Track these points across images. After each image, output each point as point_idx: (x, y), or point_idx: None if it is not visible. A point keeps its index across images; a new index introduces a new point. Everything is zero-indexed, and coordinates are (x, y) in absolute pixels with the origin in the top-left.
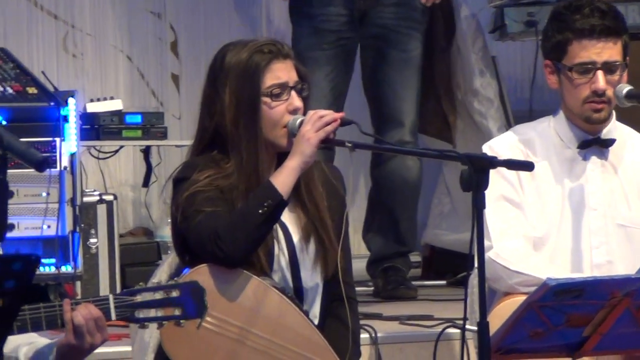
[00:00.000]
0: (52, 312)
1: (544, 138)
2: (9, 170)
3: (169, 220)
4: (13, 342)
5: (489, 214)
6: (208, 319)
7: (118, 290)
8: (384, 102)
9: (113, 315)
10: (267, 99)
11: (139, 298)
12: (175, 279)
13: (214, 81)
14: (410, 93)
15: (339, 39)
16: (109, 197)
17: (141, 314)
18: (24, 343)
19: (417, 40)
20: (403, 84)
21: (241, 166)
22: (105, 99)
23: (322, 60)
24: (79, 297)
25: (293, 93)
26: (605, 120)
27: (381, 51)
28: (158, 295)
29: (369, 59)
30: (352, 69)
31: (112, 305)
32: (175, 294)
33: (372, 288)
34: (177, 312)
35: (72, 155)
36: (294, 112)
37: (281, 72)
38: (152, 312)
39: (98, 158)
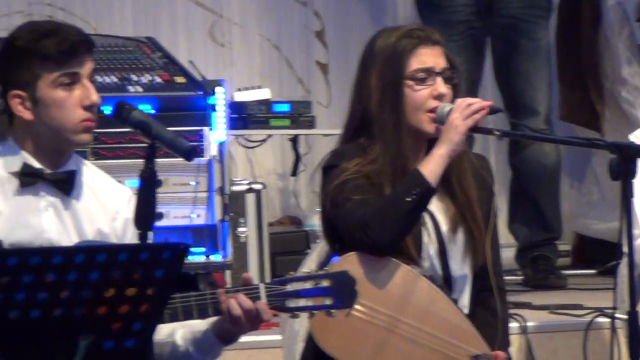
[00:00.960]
0: (202, 301)
1: None
2: (157, 160)
3: (318, 209)
4: (167, 327)
5: (638, 202)
6: (357, 307)
7: (267, 278)
8: (518, 92)
9: None
10: (410, 82)
11: (289, 287)
12: (325, 268)
13: (364, 65)
14: (543, 81)
15: (468, 29)
16: (258, 186)
17: (292, 303)
18: (178, 327)
19: (544, 28)
20: (535, 72)
21: (386, 150)
22: (252, 88)
23: (454, 51)
24: (228, 286)
25: (439, 79)
26: None
27: (511, 41)
28: (308, 285)
29: (499, 49)
30: (484, 58)
31: (263, 294)
32: (325, 283)
33: (521, 277)
34: (327, 301)
35: (221, 145)
36: (438, 97)
37: (427, 57)
38: (303, 302)
39: (246, 147)
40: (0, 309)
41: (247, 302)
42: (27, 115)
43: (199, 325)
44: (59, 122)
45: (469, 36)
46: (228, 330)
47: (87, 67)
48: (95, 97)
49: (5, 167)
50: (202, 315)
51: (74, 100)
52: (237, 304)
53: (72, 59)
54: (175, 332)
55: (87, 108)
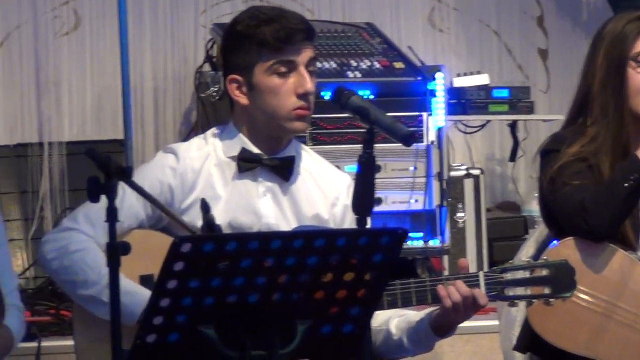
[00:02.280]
0: (422, 287)
1: None
2: (376, 145)
3: (536, 195)
4: (383, 315)
5: None
6: (575, 292)
7: (486, 264)
8: None
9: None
10: (634, 64)
11: (508, 276)
12: (544, 256)
13: (594, 45)
14: None
15: None
16: (476, 172)
17: (510, 292)
18: (394, 316)
19: None
20: None
21: (607, 129)
22: (472, 73)
23: None
24: (446, 271)
25: None
26: None
27: None
28: (527, 274)
29: None
30: None
31: (482, 283)
32: (545, 272)
33: None
34: (546, 291)
35: (440, 130)
36: None
37: None
38: (521, 291)
39: (465, 133)
40: (219, 294)
41: (465, 289)
42: (243, 100)
43: (415, 316)
44: (273, 109)
45: None
46: (443, 322)
47: (305, 56)
48: (309, 85)
49: (225, 152)
50: (421, 302)
51: (289, 88)
52: (456, 290)
53: (289, 47)
54: (390, 320)
55: (301, 96)
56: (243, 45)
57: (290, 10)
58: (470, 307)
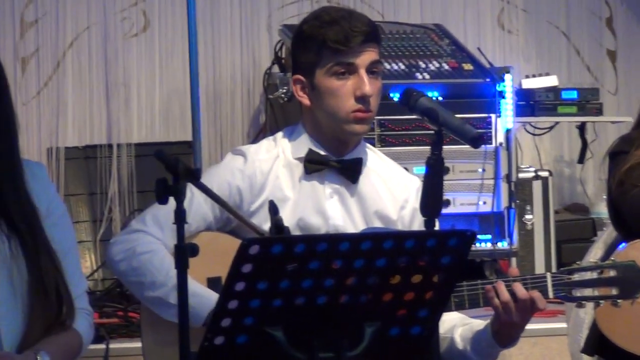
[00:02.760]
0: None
1: None
2: (444, 147)
3: (604, 197)
4: (448, 322)
5: None
6: None
7: (553, 266)
8: None
9: (550, 294)
10: None
11: (575, 277)
12: (612, 257)
13: None
14: None
15: None
16: (544, 174)
17: (578, 292)
18: (459, 324)
19: None
20: None
21: None
22: (540, 75)
23: None
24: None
25: None
26: None
27: None
28: (594, 275)
29: None
30: None
31: (549, 284)
32: (612, 273)
33: None
34: (614, 292)
35: (508, 132)
36: None
37: None
38: (589, 291)
39: (533, 134)
40: (287, 295)
41: (522, 291)
42: (305, 100)
43: (478, 325)
44: (332, 110)
45: None
46: (500, 327)
47: (365, 58)
48: (367, 88)
49: (293, 153)
50: (488, 303)
51: (347, 90)
52: (504, 288)
53: (348, 48)
54: (455, 328)
55: (359, 99)
56: (306, 46)
57: (358, 11)
58: (528, 310)
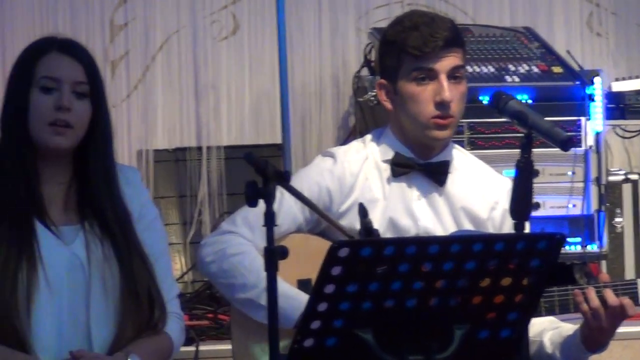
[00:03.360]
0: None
1: None
2: (534, 150)
3: None
4: (538, 326)
5: None
6: None
7: None
8: None
9: None
10: None
11: None
12: None
13: None
14: None
15: None
16: (634, 177)
17: None
18: (548, 328)
19: None
20: None
21: None
22: (630, 78)
23: None
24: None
25: None
26: None
27: None
28: None
29: None
30: None
31: None
32: None
33: None
34: None
35: (598, 135)
36: None
37: None
38: None
39: (623, 137)
40: (377, 298)
41: (613, 298)
42: (388, 105)
43: (568, 329)
44: (413, 115)
45: None
46: (589, 332)
47: (446, 63)
48: (447, 94)
49: (381, 156)
50: (578, 308)
51: (427, 95)
52: (594, 295)
53: (428, 54)
54: (544, 332)
55: (438, 105)
56: (389, 51)
57: (442, 16)
58: (618, 316)
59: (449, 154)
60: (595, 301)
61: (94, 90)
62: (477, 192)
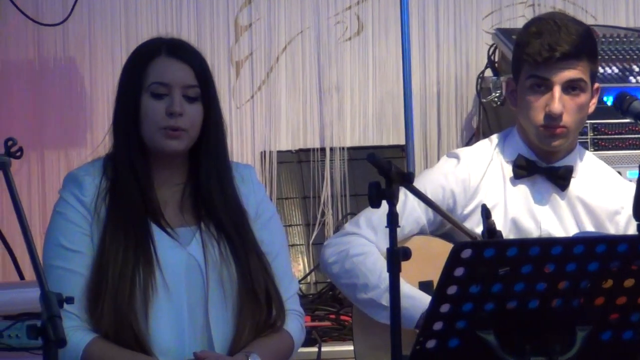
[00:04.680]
0: None
1: None
2: None
3: None
4: None
5: None
6: None
7: None
8: None
9: None
10: None
11: None
12: None
13: None
14: None
15: None
16: None
17: None
18: None
19: None
20: None
21: None
22: None
23: None
24: None
25: None
26: None
27: None
28: None
29: None
30: None
31: None
32: None
33: None
34: None
35: None
36: None
37: None
38: None
39: None
40: (499, 299)
41: None
42: (512, 105)
43: None
44: (525, 120)
45: None
46: None
47: (563, 75)
48: (555, 107)
49: (506, 156)
50: None
51: (539, 104)
52: None
53: (546, 64)
54: None
55: (547, 116)
56: (515, 52)
57: (574, 25)
58: None
59: (574, 159)
60: None
61: (204, 92)
62: (601, 197)
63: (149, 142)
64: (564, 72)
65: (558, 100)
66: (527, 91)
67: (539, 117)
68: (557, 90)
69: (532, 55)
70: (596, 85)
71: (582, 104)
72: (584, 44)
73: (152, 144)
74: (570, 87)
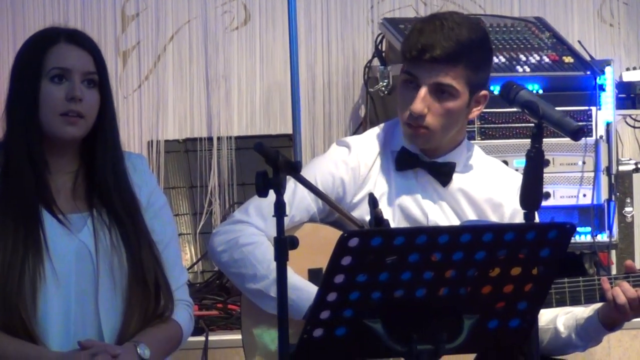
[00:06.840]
0: (590, 286)
1: None
2: (545, 139)
3: None
4: (549, 314)
5: None
6: None
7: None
8: None
9: None
10: None
11: None
12: None
13: None
14: None
15: None
16: None
17: None
18: (561, 313)
19: None
20: None
21: None
22: None
23: None
24: (613, 266)
25: None
26: None
27: None
28: None
29: None
30: None
31: None
32: None
33: None
34: None
35: (608, 125)
36: None
37: None
38: None
39: (634, 127)
40: (386, 288)
41: (631, 291)
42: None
43: (582, 312)
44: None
45: None
46: (613, 318)
47: (431, 78)
48: (415, 105)
49: (391, 147)
50: (589, 300)
51: (407, 99)
52: (621, 292)
53: (416, 62)
54: (557, 318)
55: (410, 114)
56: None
57: (462, 29)
58: (637, 308)
59: (459, 155)
60: (621, 297)
61: (102, 80)
62: (485, 190)
63: (47, 128)
64: (431, 74)
65: (420, 100)
66: (401, 85)
67: (405, 114)
68: (423, 90)
69: (405, 51)
70: (483, 92)
71: (450, 109)
72: (462, 52)
73: (50, 129)
74: (440, 91)
